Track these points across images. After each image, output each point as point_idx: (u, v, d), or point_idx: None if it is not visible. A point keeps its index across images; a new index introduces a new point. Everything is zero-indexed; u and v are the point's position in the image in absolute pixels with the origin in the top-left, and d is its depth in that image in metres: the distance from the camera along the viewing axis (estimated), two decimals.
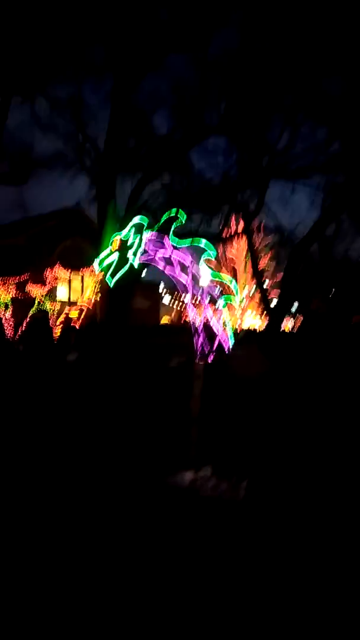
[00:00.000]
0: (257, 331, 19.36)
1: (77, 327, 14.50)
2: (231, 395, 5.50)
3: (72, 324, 15.02)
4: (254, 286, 30.15)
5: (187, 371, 8.98)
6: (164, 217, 10.82)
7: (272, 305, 19.08)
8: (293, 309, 28.81)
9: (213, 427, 4.27)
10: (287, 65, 12.24)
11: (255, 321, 32.86)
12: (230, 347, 10.88)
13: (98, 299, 15.77)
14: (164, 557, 2.79)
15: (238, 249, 30.28)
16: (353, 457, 4.72)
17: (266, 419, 5.40)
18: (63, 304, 17.61)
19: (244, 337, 13.33)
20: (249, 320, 33.21)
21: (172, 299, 35.10)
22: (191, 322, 11.97)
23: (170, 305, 35.80)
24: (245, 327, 28.60)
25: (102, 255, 10.42)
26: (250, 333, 15.89)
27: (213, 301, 12.41)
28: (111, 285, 10.26)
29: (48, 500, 3.47)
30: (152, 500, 3.45)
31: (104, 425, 5.33)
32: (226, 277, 12.65)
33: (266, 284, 31.69)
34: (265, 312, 19.27)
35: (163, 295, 33.65)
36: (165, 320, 34.59)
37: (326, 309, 34.25)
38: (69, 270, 19.08)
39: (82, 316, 15.54)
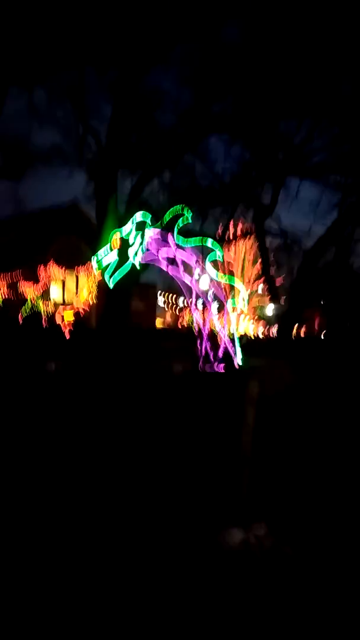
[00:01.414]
0: (262, 339, 18.68)
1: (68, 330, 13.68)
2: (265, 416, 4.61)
3: (64, 327, 14.20)
4: (251, 291, 29.55)
5: (198, 380, 8.21)
6: (169, 214, 9.99)
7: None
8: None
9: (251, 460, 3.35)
10: (300, 58, 11.63)
11: (248, 326, 31.93)
12: (237, 354, 10.09)
13: (94, 301, 14.96)
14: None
15: (236, 252, 29.64)
16: None
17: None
18: (56, 305, 16.76)
19: (248, 344, 12.61)
20: (243, 326, 32.38)
21: (167, 301, 34.07)
22: (195, 326, 11.20)
23: (166, 307, 34.80)
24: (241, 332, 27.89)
25: (101, 253, 9.58)
26: (264, 343, 15.13)
27: (219, 305, 11.60)
28: (111, 285, 9.43)
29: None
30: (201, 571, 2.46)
31: (109, 451, 4.42)
32: (236, 280, 11.89)
33: (261, 288, 30.88)
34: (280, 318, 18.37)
35: (159, 296, 32.68)
36: (159, 323, 33.69)
37: (321, 316, 33.75)
38: (64, 269, 18.22)
39: (74, 319, 14.68)
